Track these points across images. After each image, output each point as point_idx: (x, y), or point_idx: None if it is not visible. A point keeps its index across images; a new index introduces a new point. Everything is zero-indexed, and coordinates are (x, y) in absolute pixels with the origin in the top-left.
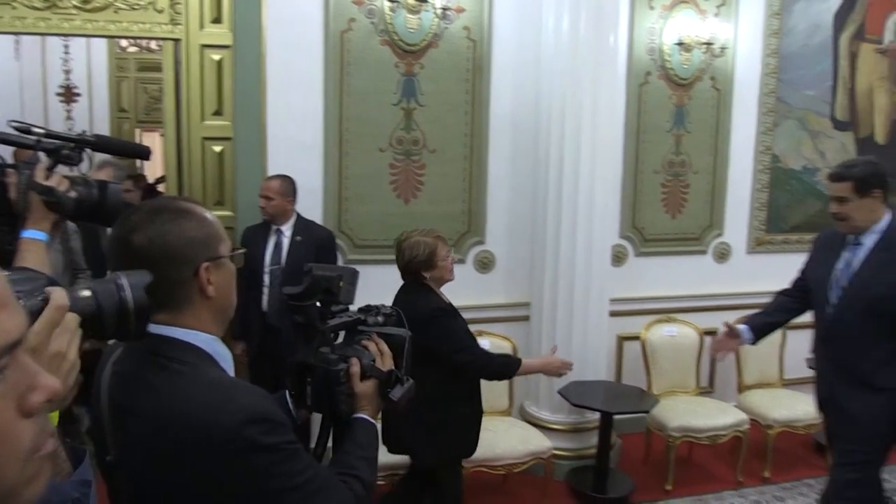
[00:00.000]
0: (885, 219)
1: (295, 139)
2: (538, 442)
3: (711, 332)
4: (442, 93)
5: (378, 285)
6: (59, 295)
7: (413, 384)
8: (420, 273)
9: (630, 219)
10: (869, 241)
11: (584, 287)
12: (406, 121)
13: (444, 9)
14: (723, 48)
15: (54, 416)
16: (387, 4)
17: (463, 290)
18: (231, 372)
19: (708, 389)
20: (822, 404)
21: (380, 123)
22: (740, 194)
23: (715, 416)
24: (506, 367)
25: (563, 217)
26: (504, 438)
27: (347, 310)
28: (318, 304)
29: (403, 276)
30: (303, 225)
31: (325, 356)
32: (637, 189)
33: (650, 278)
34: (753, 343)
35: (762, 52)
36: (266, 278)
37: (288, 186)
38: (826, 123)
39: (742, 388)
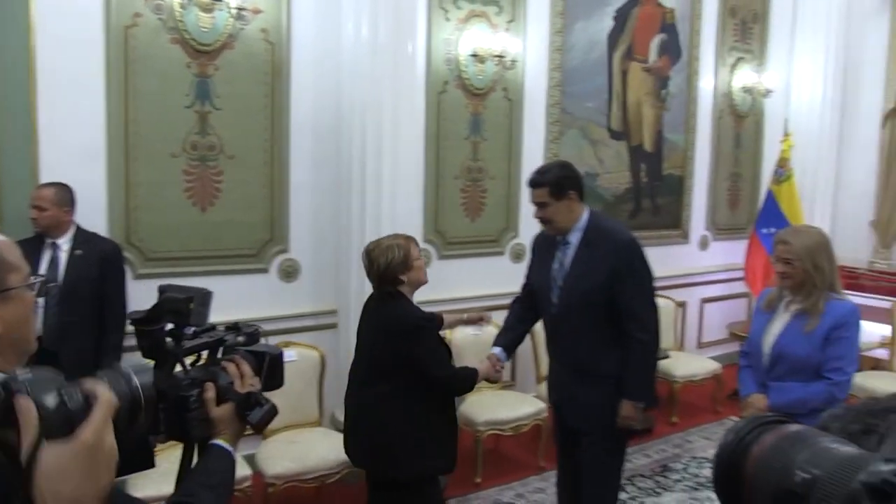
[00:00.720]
0: (585, 216)
1: (73, 143)
2: None
3: None
4: (239, 96)
5: None
6: (104, 390)
7: (273, 406)
8: (397, 277)
9: (432, 223)
10: (574, 239)
11: None
12: (200, 124)
13: (240, 9)
14: (513, 61)
15: None
16: (176, 0)
17: (267, 299)
18: None
19: (510, 383)
20: (556, 402)
21: (171, 127)
22: (528, 198)
23: (518, 407)
24: (472, 380)
25: (367, 222)
26: (315, 449)
27: (214, 329)
28: (171, 326)
29: (378, 286)
30: (83, 238)
31: (175, 381)
32: (438, 194)
33: (453, 280)
34: (508, 359)
35: (548, 66)
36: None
37: (64, 195)
38: (604, 133)
39: (540, 378)
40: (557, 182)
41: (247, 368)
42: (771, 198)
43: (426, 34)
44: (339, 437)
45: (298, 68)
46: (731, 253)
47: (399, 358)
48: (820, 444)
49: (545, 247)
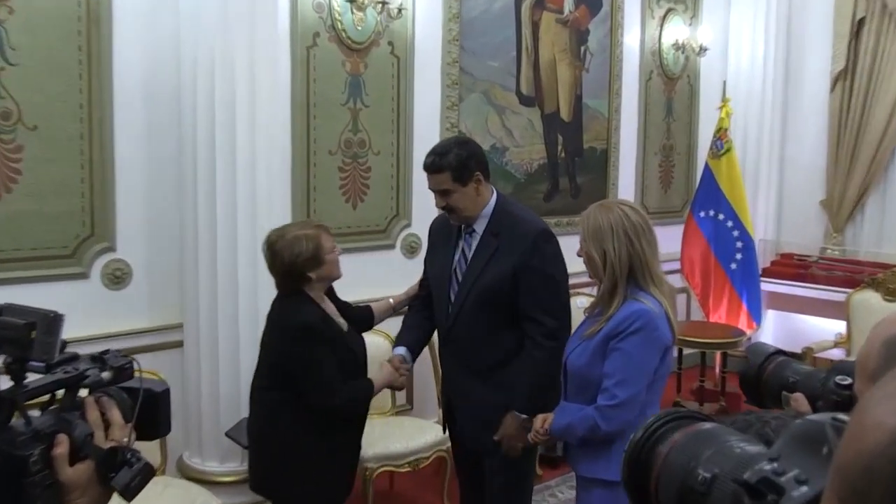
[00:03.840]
0: (493, 200)
1: None
2: (203, 502)
3: None
4: (41, 49)
5: None
6: None
7: (147, 466)
8: (305, 275)
9: (304, 210)
10: (480, 227)
11: (251, 297)
12: None
13: None
14: (400, 9)
15: None
16: None
17: (88, 313)
18: None
19: (406, 407)
20: (453, 419)
21: None
22: (420, 179)
23: (415, 436)
24: (363, 400)
25: (220, 211)
26: (157, 502)
27: (74, 360)
28: (9, 360)
29: (281, 284)
30: None
31: (10, 435)
32: (310, 174)
33: None
34: (414, 361)
35: (443, 15)
36: None
37: None
38: (512, 98)
39: (442, 402)
40: (460, 164)
41: (115, 414)
42: (709, 174)
43: None
44: (190, 487)
45: (122, 14)
46: (666, 241)
47: (282, 367)
48: (725, 443)
49: (445, 234)
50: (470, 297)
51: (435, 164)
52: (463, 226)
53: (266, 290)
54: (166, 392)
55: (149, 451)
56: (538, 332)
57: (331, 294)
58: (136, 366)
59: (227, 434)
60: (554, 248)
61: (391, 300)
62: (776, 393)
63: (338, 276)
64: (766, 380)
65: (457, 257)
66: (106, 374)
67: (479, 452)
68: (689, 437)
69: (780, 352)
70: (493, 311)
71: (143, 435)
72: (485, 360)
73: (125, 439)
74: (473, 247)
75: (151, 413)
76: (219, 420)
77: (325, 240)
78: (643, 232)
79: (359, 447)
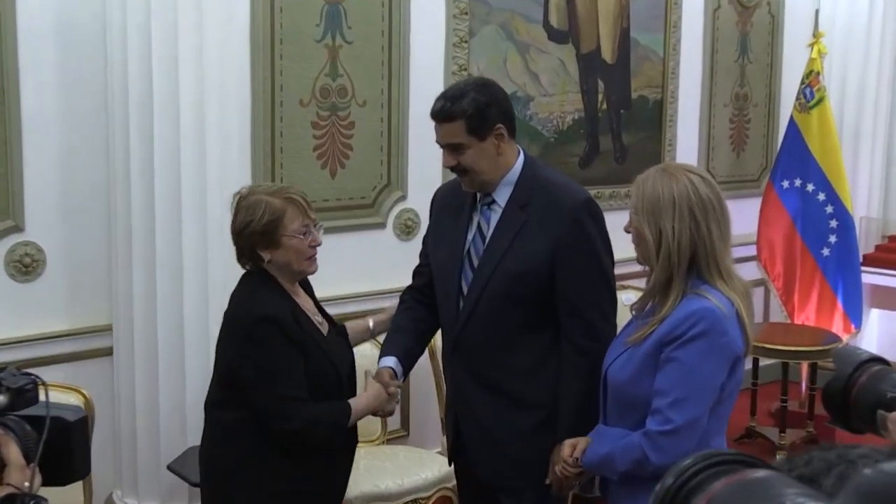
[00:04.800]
0: (519, 162)
1: None
2: None
3: None
4: None
5: None
6: None
7: None
8: (255, 251)
9: (267, 178)
10: (502, 196)
11: (201, 293)
12: None
13: None
14: None
15: None
16: None
17: None
18: None
19: (401, 433)
20: (460, 445)
21: None
22: (419, 138)
23: (413, 470)
24: (337, 425)
25: (158, 182)
26: None
27: None
28: None
29: (238, 255)
30: None
31: None
32: (276, 131)
33: None
34: (406, 375)
35: None
36: None
37: None
38: (539, 33)
39: (448, 424)
40: (478, 111)
41: (13, 451)
42: (795, 132)
43: None
44: None
45: None
46: (738, 219)
47: (234, 374)
48: (778, 498)
49: (454, 205)
50: (490, 288)
51: (445, 110)
52: (479, 195)
53: (219, 283)
54: (82, 421)
55: (66, 491)
56: (582, 332)
57: (306, 288)
58: (40, 384)
59: (169, 467)
60: (601, 224)
61: (370, 321)
62: (869, 412)
63: (305, 272)
64: (856, 395)
65: (471, 236)
66: (1, 399)
67: (495, 491)
68: (733, 489)
69: (877, 359)
70: (519, 306)
71: (52, 478)
72: (506, 371)
73: (26, 483)
74: (493, 222)
75: (62, 449)
76: (159, 449)
77: (289, 218)
78: (713, 210)
79: (345, 478)
